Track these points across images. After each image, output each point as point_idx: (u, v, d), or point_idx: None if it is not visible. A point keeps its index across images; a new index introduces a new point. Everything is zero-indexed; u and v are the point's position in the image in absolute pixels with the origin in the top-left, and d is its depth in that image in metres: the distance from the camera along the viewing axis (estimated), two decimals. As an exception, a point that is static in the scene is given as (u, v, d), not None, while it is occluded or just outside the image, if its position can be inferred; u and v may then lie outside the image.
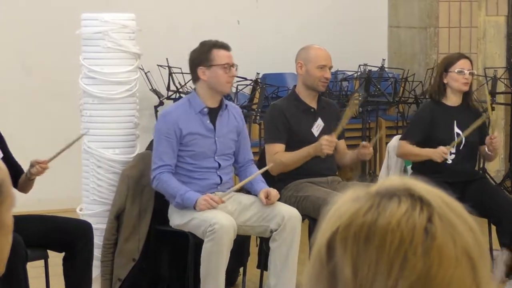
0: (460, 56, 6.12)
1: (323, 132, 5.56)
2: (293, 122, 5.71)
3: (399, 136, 6.25)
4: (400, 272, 0.80)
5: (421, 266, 0.80)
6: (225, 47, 5.24)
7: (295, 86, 5.93)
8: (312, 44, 5.87)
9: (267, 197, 5.20)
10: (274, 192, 5.22)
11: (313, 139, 5.54)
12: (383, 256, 0.80)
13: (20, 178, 4.87)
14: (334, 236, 0.82)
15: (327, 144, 5.40)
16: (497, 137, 6.05)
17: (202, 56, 5.20)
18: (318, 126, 5.65)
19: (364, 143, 5.88)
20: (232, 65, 5.22)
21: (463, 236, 0.83)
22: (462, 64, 5.87)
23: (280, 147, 5.62)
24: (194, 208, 5.06)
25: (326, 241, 0.83)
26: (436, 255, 0.80)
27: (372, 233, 0.80)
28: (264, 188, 5.28)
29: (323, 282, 0.83)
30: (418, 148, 5.96)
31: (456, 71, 5.89)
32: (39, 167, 4.84)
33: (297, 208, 5.20)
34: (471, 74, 5.92)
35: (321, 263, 0.84)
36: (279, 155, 5.60)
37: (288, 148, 5.65)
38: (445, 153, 5.80)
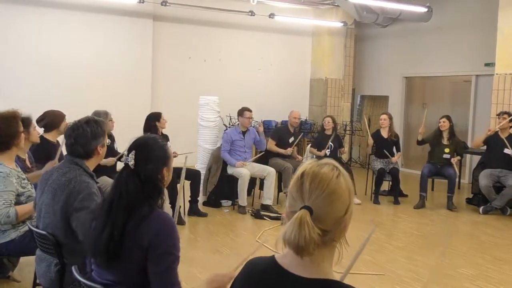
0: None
1: (293, 142, 7.47)
2: (282, 135, 7.52)
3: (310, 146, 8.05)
4: (325, 189, 1.28)
5: (333, 187, 1.29)
6: (248, 109, 6.94)
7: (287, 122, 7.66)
8: (293, 110, 7.75)
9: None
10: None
11: (287, 143, 7.44)
12: (322, 182, 1.28)
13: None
14: (303, 171, 1.31)
15: (295, 155, 7.35)
16: None
17: (239, 112, 6.97)
18: (291, 139, 7.53)
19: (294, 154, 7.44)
20: (250, 117, 6.94)
21: (348, 182, 1.31)
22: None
23: (273, 142, 7.43)
24: (235, 166, 6.74)
25: (301, 173, 1.31)
26: (339, 186, 1.29)
27: (317, 172, 1.30)
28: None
29: (297, 184, 1.30)
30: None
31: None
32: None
33: (274, 168, 7.01)
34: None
35: (297, 178, 1.30)
36: (272, 146, 7.41)
37: (278, 143, 7.43)
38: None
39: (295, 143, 7.58)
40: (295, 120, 7.56)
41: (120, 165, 5.36)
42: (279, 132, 7.65)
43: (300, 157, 7.55)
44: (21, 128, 3.47)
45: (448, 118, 7.46)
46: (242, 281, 1.42)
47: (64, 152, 2.95)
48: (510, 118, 6.96)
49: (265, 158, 7.31)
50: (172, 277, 1.98)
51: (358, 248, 1.85)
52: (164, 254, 1.96)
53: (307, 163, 1.33)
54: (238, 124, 7.09)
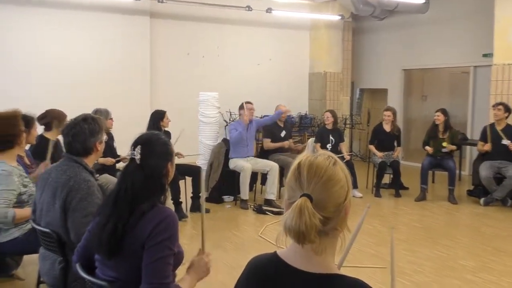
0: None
1: (285, 135, 7.49)
2: (273, 132, 7.47)
3: (312, 139, 8.09)
4: (323, 176, 1.27)
5: (330, 173, 1.29)
6: (249, 102, 6.97)
7: None
8: (279, 104, 7.73)
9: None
10: None
11: (280, 138, 7.43)
12: (318, 169, 1.28)
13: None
14: (299, 162, 1.30)
15: (294, 147, 7.47)
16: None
17: (240, 107, 6.98)
18: (283, 133, 7.51)
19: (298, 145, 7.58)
20: (251, 108, 6.95)
21: (345, 169, 1.33)
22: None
23: (268, 140, 7.41)
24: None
25: (297, 164, 1.32)
26: (335, 172, 1.29)
27: (313, 161, 1.30)
28: None
29: (295, 175, 1.31)
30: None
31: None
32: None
33: (277, 163, 6.96)
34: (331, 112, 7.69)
35: (294, 169, 1.31)
36: (268, 144, 7.41)
37: (273, 138, 7.38)
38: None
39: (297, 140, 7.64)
40: (282, 115, 7.53)
41: (119, 165, 5.67)
42: (270, 130, 7.57)
43: (300, 145, 7.50)
44: (23, 127, 3.51)
45: (443, 111, 7.42)
46: (246, 279, 1.39)
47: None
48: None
49: (265, 156, 7.29)
50: (164, 270, 1.91)
51: (355, 229, 1.82)
52: (159, 245, 1.90)
53: (302, 155, 1.32)
54: (240, 117, 7.09)
